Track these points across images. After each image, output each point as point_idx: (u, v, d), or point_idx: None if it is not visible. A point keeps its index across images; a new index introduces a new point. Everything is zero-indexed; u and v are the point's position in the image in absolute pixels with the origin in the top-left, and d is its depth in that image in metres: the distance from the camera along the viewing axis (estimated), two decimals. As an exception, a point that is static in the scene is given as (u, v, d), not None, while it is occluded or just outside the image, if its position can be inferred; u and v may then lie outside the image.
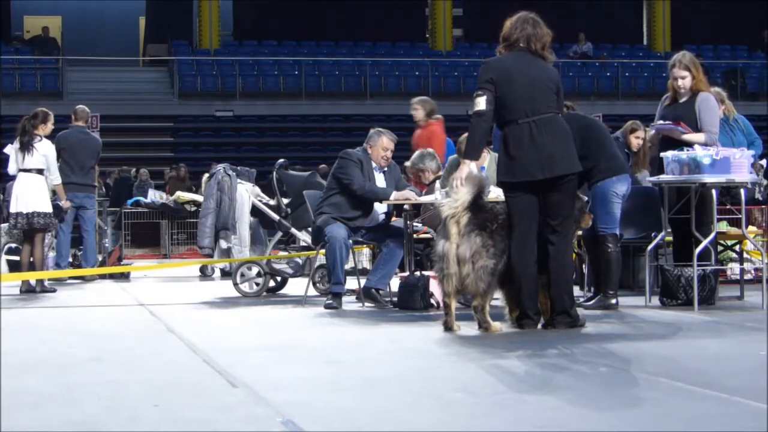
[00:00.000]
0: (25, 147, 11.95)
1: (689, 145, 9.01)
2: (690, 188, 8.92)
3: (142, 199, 15.59)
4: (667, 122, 9.27)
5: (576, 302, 7.95)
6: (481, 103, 7.55)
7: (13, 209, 11.98)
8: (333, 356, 6.55)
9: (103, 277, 13.66)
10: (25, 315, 9.82)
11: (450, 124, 27.84)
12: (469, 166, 7.59)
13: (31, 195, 11.90)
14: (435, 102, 13.03)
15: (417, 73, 31.96)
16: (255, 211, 11.45)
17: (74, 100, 19.22)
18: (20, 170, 11.97)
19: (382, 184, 9.76)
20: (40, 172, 11.98)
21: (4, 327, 8.14)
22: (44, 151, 12.02)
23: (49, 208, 11.97)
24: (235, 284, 11.26)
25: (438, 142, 12.51)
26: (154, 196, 16.28)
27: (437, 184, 10.95)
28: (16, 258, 14.21)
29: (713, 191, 8.86)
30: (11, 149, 12.13)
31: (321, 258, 10.55)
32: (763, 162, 10.99)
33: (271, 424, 4.56)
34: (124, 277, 13.95)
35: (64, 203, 12.64)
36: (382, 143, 9.83)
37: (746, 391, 5.08)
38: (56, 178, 12.20)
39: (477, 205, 7.44)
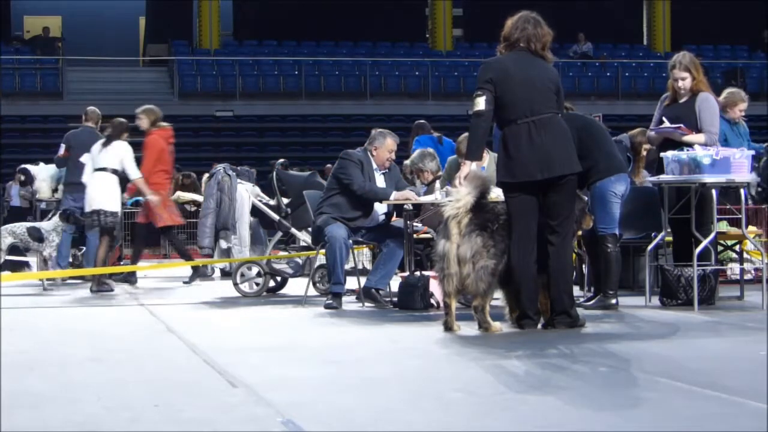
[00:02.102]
0: (106, 144, 12.13)
1: (689, 145, 9.02)
2: (690, 188, 8.92)
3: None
4: (668, 125, 9.26)
5: (576, 302, 7.95)
6: (480, 103, 7.55)
7: (87, 208, 12.13)
8: (333, 356, 6.55)
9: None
10: (25, 315, 9.82)
11: (450, 124, 27.88)
12: (470, 167, 7.59)
13: (100, 193, 12.01)
14: (160, 110, 13.20)
15: (417, 73, 31.98)
16: (255, 211, 11.45)
17: (74, 100, 19.27)
18: (95, 169, 12.10)
19: (383, 185, 9.76)
20: (114, 172, 12.09)
21: (4, 327, 8.14)
22: (121, 151, 12.12)
23: (116, 208, 12.07)
24: (235, 284, 11.26)
25: (153, 152, 12.80)
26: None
27: (437, 184, 10.96)
28: (16, 258, 14.22)
29: (713, 191, 8.85)
30: (87, 158, 12.27)
31: (321, 258, 10.55)
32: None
33: (271, 424, 4.56)
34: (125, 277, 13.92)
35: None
36: (387, 145, 9.83)
37: (746, 391, 5.08)
38: (134, 173, 12.29)
39: (478, 206, 7.44)
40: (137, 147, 12.72)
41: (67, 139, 13.49)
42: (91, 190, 12.10)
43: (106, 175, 12.08)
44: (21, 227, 12.50)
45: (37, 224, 12.62)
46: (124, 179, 12.44)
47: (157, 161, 12.82)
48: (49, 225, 12.47)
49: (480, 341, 7.21)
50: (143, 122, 13.08)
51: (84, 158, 12.37)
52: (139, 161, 12.58)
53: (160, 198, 12.82)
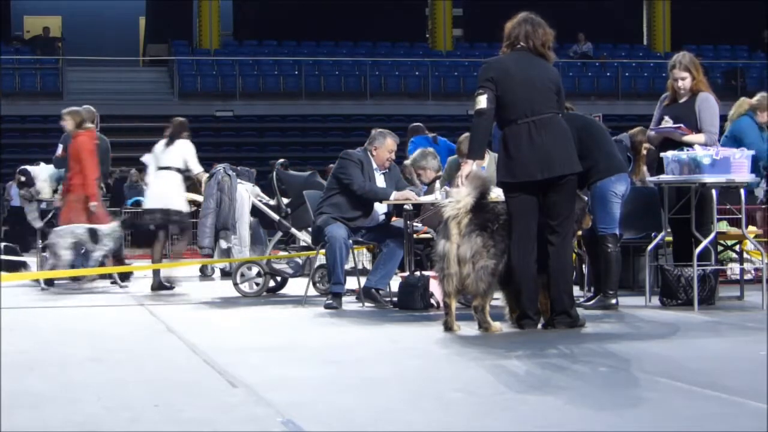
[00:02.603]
0: (169, 144, 12.18)
1: (689, 145, 9.02)
2: (690, 188, 8.92)
3: (142, 199, 15.60)
4: (667, 126, 9.26)
5: (576, 302, 7.95)
6: (482, 101, 7.55)
7: (150, 205, 12.19)
8: (333, 356, 6.55)
9: (103, 277, 13.65)
10: (25, 315, 9.82)
11: (450, 124, 27.81)
12: (471, 166, 7.58)
13: (166, 192, 12.09)
14: (87, 112, 13.23)
15: (417, 73, 31.99)
16: (255, 211, 11.45)
17: (74, 100, 19.23)
18: (159, 168, 12.17)
19: (383, 185, 9.76)
20: (178, 170, 12.16)
21: (4, 327, 8.14)
22: (183, 150, 12.16)
23: (182, 206, 12.15)
24: (235, 284, 11.26)
25: (85, 153, 12.76)
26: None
27: (437, 184, 10.95)
28: (14, 258, 14.27)
29: (713, 191, 8.85)
30: (150, 158, 12.34)
31: (321, 258, 10.55)
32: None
33: (271, 424, 4.56)
34: (125, 277, 13.94)
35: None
36: (387, 145, 9.83)
37: (746, 391, 5.08)
38: (196, 169, 12.33)
39: (478, 206, 7.44)
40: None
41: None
42: (156, 188, 12.16)
43: (171, 173, 12.12)
44: (81, 228, 12.54)
45: (95, 226, 12.66)
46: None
47: (90, 162, 12.82)
48: (107, 229, 12.48)
49: (480, 341, 7.21)
50: (68, 124, 13.05)
51: (146, 158, 12.45)
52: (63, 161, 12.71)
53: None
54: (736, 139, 10.31)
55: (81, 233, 12.39)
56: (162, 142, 12.33)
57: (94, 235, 12.37)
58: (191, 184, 16.76)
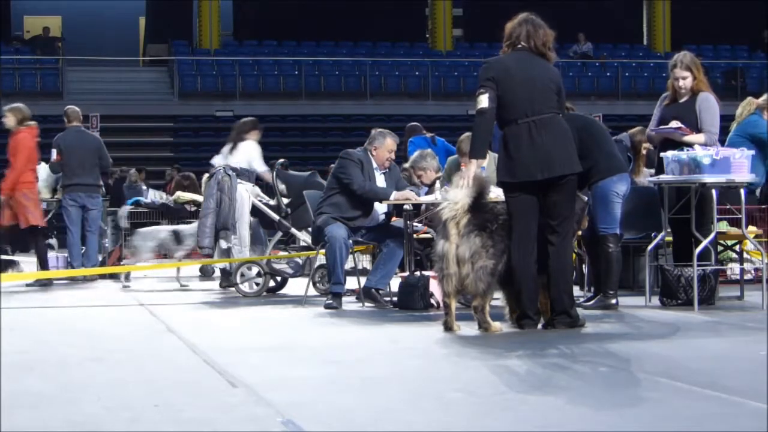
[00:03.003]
0: (233, 147, 12.20)
1: (689, 144, 9.02)
2: (690, 188, 8.92)
3: (142, 199, 15.58)
4: (668, 126, 9.25)
5: (576, 302, 7.95)
6: (483, 100, 7.55)
7: None
8: (333, 356, 6.55)
9: (103, 277, 13.66)
10: (25, 315, 9.82)
11: (450, 124, 27.80)
12: (474, 165, 7.58)
13: None
14: (28, 109, 13.21)
15: (417, 73, 31.99)
16: (255, 211, 11.44)
17: (74, 100, 19.24)
18: None
19: (383, 185, 9.76)
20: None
21: (4, 327, 8.14)
22: (247, 150, 12.15)
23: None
24: (235, 284, 11.26)
25: (23, 151, 12.79)
26: (154, 196, 16.26)
27: (437, 184, 10.95)
28: (5, 258, 14.27)
29: (713, 191, 8.85)
30: (218, 159, 12.39)
31: (321, 258, 10.55)
32: None
33: (271, 424, 4.56)
34: (124, 277, 13.94)
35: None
36: (387, 145, 9.83)
37: (746, 391, 5.08)
38: (260, 167, 12.26)
39: (477, 206, 7.44)
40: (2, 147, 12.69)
41: (56, 144, 13.59)
42: None
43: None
44: (165, 231, 12.57)
45: (177, 228, 12.69)
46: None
47: (28, 160, 12.81)
48: (190, 229, 12.49)
49: (480, 341, 7.21)
50: (10, 120, 13.09)
51: (215, 160, 12.52)
52: (7, 161, 12.73)
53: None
54: (751, 136, 10.23)
55: (165, 236, 12.44)
56: (228, 146, 12.36)
57: (177, 236, 12.42)
58: (190, 183, 16.80)
